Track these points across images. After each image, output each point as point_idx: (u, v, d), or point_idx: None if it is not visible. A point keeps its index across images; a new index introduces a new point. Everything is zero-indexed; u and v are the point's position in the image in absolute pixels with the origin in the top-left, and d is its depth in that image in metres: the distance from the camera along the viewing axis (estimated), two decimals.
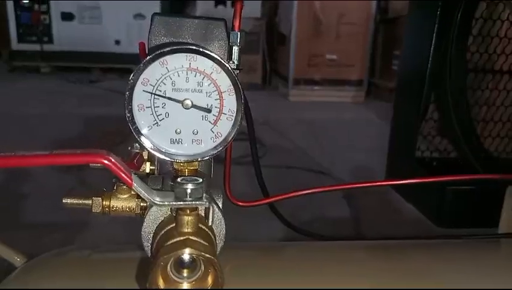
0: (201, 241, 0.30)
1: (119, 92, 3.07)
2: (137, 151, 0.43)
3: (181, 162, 0.36)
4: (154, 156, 0.44)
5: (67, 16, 4.18)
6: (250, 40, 3.74)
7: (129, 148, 0.43)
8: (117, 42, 4.25)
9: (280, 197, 0.53)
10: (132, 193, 0.38)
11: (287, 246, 0.56)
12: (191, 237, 0.30)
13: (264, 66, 4.01)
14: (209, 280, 0.30)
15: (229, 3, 3.95)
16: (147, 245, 0.35)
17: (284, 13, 3.83)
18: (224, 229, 0.35)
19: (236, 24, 0.39)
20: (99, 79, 4.08)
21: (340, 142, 2.53)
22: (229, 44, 0.39)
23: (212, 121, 0.35)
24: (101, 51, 4.22)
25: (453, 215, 0.74)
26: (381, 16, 3.66)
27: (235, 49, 0.39)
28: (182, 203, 0.31)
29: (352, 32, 3.61)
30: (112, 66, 4.24)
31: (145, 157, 0.43)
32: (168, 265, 0.30)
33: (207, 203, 0.32)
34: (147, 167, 0.43)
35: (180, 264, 0.31)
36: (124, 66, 4.23)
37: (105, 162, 0.29)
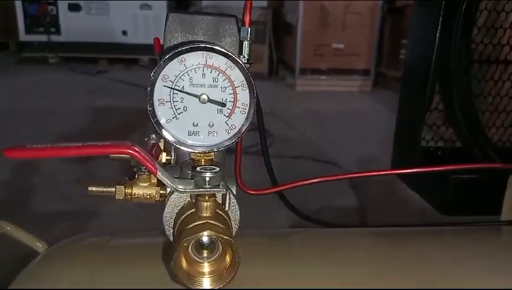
0: (219, 224, 0.33)
1: (126, 83, 3.09)
2: (154, 142, 0.45)
3: (198, 153, 0.38)
4: (170, 147, 0.46)
5: (74, 7, 4.20)
6: (257, 29, 3.69)
7: (146, 139, 0.46)
8: (124, 33, 4.27)
9: (289, 186, 0.54)
10: (152, 181, 0.41)
11: (295, 233, 0.58)
12: (210, 221, 0.32)
13: (271, 55, 4.01)
14: (227, 259, 0.33)
15: None
16: (168, 229, 0.37)
17: (290, 3, 3.83)
18: (238, 214, 0.38)
19: (247, 20, 0.41)
20: (106, 70, 4.11)
21: (347, 132, 2.54)
22: (239, 39, 0.41)
23: (227, 114, 0.38)
24: (108, 42, 4.25)
25: (456, 204, 0.76)
26: (389, 5, 3.65)
27: (246, 44, 0.41)
28: (201, 190, 0.34)
29: (358, 22, 3.60)
30: (118, 57, 4.27)
31: (162, 148, 0.46)
32: (190, 246, 0.33)
33: (224, 190, 0.35)
34: (163, 157, 0.45)
35: (200, 246, 0.34)
36: (130, 57, 4.27)
37: (133, 152, 0.32)
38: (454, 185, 0.74)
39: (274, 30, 4.01)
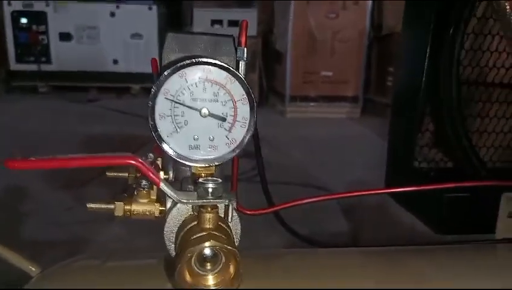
0: (222, 235, 0.33)
1: (117, 111, 3.09)
2: (151, 160, 0.46)
3: (199, 167, 0.39)
4: (168, 165, 0.46)
5: (65, 36, 4.22)
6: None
7: (143, 158, 0.46)
8: (115, 61, 4.29)
9: (285, 205, 0.55)
10: (151, 197, 0.41)
11: (290, 253, 0.58)
12: (212, 232, 0.32)
13: (261, 84, 4.06)
14: (231, 270, 0.33)
15: (224, 22, 4.03)
16: (169, 244, 0.37)
17: (279, 31, 3.90)
18: (239, 228, 0.38)
19: (243, 40, 0.42)
20: (97, 98, 4.11)
21: (337, 158, 2.56)
22: (236, 58, 0.42)
23: (227, 128, 0.39)
24: (99, 70, 4.27)
25: (451, 222, 0.76)
26: (375, 33, 3.73)
27: (242, 64, 0.42)
28: (204, 201, 0.34)
29: (346, 49, 3.67)
30: (109, 86, 4.28)
31: (160, 166, 0.46)
32: (192, 260, 0.33)
33: (226, 201, 0.35)
34: (161, 175, 0.45)
35: (202, 259, 0.33)
36: (121, 85, 4.28)
37: (136, 163, 0.32)
38: (448, 204, 0.75)
39: (264, 58, 4.07)
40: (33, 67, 4.20)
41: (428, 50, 0.81)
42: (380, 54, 3.72)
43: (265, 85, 4.08)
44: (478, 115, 0.89)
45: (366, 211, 1.68)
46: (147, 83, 4.11)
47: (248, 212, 0.50)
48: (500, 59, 0.86)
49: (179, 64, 0.36)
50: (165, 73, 0.36)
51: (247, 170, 1.50)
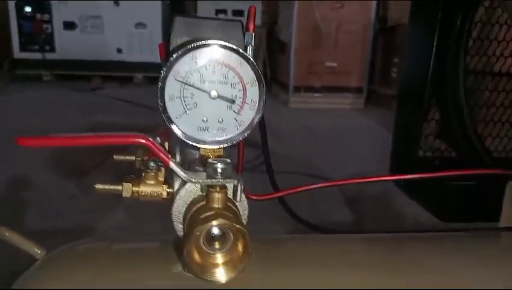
0: (230, 215, 0.33)
1: (120, 100, 3.08)
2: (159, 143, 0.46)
3: (208, 149, 0.39)
4: (174, 148, 0.47)
5: (69, 25, 4.22)
6: None
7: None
8: (118, 50, 4.29)
9: (291, 191, 0.55)
10: (159, 179, 0.41)
11: (293, 238, 0.58)
12: (221, 211, 0.33)
13: (265, 73, 4.05)
14: (239, 248, 0.33)
15: (229, 11, 4.02)
16: (176, 224, 0.38)
17: (284, 22, 3.88)
18: (247, 209, 0.38)
19: (251, 26, 0.42)
20: (100, 87, 4.11)
21: (341, 148, 2.56)
22: (244, 44, 0.42)
23: (236, 111, 0.39)
24: (103, 60, 4.27)
25: (455, 210, 0.76)
26: (380, 25, 3.71)
27: (250, 48, 0.42)
28: (214, 180, 0.34)
29: (351, 41, 3.66)
30: (113, 74, 4.28)
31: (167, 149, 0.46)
32: (201, 239, 0.33)
33: (235, 181, 0.35)
34: None
35: (211, 238, 0.34)
36: (125, 74, 4.28)
37: (147, 142, 0.32)
38: (453, 192, 0.75)
39: (268, 48, 4.06)
40: (37, 55, 4.20)
41: (435, 39, 0.80)
42: (385, 46, 3.70)
43: (269, 75, 4.08)
44: (484, 104, 0.88)
45: (370, 198, 1.68)
46: (150, 72, 4.11)
47: (253, 197, 0.50)
48: (508, 48, 0.85)
49: (189, 46, 0.36)
50: (175, 54, 0.36)
51: (251, 158, 1.51)
